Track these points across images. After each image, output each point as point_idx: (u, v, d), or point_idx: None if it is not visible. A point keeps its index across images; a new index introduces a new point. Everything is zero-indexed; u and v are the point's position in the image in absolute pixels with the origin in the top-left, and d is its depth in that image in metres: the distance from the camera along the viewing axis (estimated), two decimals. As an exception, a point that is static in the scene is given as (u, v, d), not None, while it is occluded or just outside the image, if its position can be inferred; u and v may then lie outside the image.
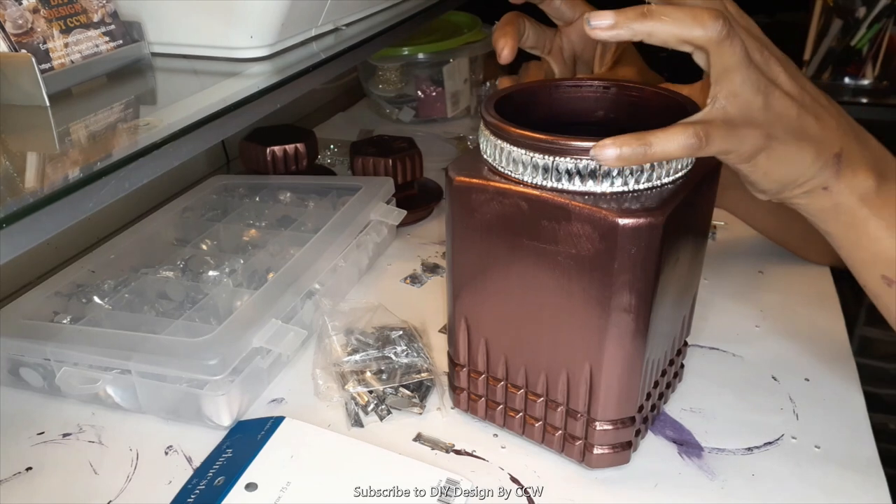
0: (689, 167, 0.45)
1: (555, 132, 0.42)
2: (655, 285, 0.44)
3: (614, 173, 0.42)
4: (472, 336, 0.52)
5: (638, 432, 0.51)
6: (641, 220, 0.41)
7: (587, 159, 0.42)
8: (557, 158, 0.42)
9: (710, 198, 0.50)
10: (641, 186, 0.43)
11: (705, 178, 0.47)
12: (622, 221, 0.41)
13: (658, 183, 0.43)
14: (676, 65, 0.52)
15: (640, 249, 0.42)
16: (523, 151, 0.44)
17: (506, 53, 0.56)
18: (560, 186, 0.43)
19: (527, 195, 0.44)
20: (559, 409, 0.50)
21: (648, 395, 0.51)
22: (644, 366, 0.47)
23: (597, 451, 0.50)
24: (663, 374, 0.53)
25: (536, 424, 0.52)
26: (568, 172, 0.42)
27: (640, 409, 0.50)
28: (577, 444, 0.50)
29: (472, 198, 0.47)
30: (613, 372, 0.46)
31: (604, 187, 0.42)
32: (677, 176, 0.44)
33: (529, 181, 0.44)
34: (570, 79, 0.53)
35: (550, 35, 0.60)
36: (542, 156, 0.43)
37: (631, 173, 0.42)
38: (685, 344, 0.57)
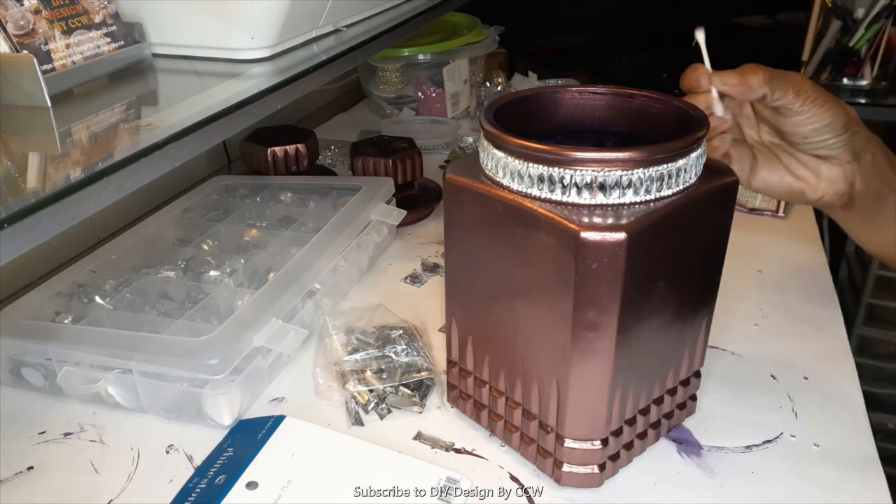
0: (681, 187, 0.43)
1: (553, 141, 0.42)
2: (624, 306, 0.42)
3: (585, 183, 0.41)
4: (460, 334, 0.52)
5: (616, 457, 0.50)
6: (604, 235, 0.39)
7: (559, 168, 0.41)
8: (530, 164, 0.42)
9: (717, 223, 0.47)
10: (615, 201, 0.41)
11: (705, 199, 0.44)
12: (584, 234, 0.40)
13: (638, 199, 0.41)
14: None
15: (602, 266, 0.40)
16: (502, 154, 0.43)
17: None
18: (531, 193, 0.42)
19: (503, 199, 0.44)
20: (534, 422, 0.49)
21: (632, 421, 0.49)
22: (615, 389, 0.45)
23: (566, 468, 0.48)
24: (658, 401, 0.51)
25: (515, 433, 0.52)
26: (540, 179, 0.42)
27: (618, 433, 0.48)
28: (549, 459, 0.49)
29: (459, 197, 0.47)
30: (580, 390, 0.45)
31: (572, 197, 0.41)
32: (662, 194, 0.42)
33: (507, 185, 0.44)
34: (573, 86, 0.52)
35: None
36: (516, 160, 0.42)
37: (602, 187, 0.41)
38: (697, 375, 0.54)
